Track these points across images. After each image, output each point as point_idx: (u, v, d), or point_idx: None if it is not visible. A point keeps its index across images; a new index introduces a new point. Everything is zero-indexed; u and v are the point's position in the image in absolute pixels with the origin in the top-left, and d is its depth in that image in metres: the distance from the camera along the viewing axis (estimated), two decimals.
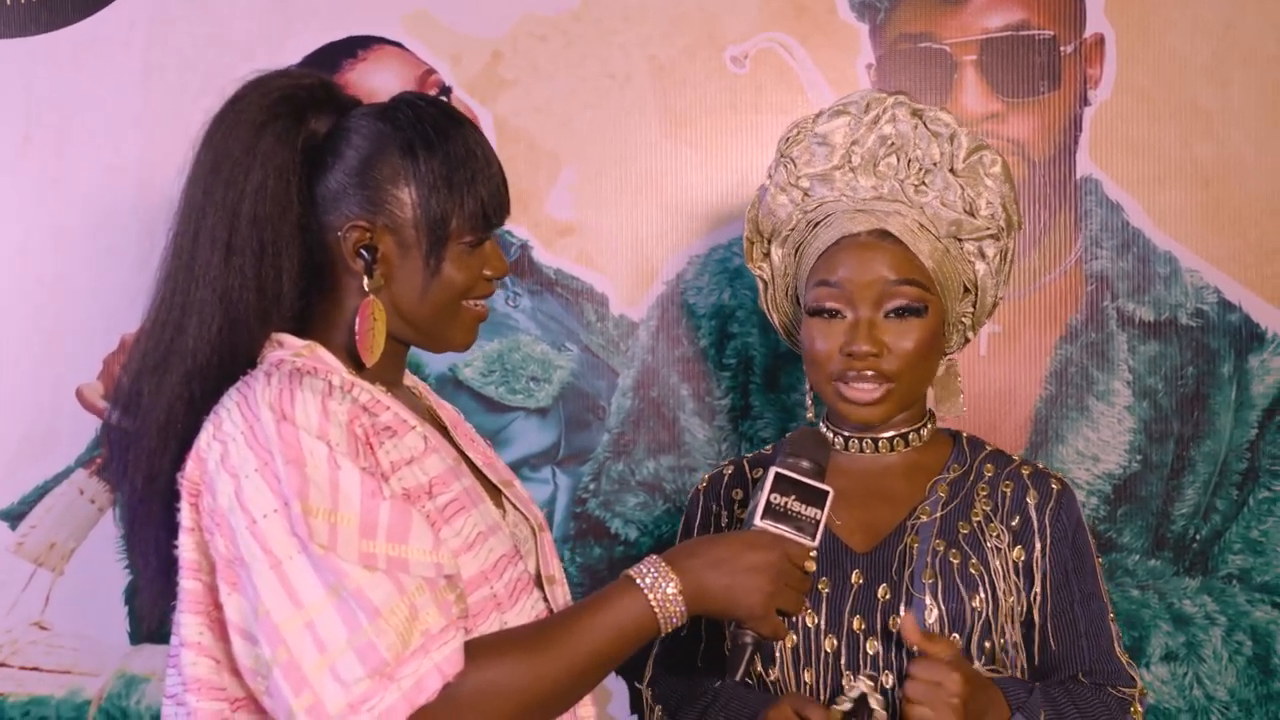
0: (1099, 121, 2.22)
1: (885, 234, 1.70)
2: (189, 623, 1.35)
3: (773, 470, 1.46)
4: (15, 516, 2.26)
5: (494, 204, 1.44)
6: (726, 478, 1.86)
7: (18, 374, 2.25)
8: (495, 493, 1.51)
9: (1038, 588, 1.70)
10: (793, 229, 1.78)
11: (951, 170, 1.72)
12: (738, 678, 1.43)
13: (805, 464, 1.48)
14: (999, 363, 2.24)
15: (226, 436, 1.30)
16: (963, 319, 1.78)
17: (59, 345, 2.25)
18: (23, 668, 2.27)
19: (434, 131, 1.41)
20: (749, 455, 1.89)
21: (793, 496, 1.45)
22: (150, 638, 2.25)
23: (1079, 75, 2.22)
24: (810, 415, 1.83)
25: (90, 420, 2.25)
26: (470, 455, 1.52)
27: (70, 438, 2.26)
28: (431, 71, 2.26)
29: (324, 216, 1.41)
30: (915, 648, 1.56)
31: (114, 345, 2.24)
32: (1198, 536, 2.22)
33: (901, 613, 1.65)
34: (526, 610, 1.41)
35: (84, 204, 2.25)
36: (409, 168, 1.39)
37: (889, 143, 1.73)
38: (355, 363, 1.42)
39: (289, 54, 2.24)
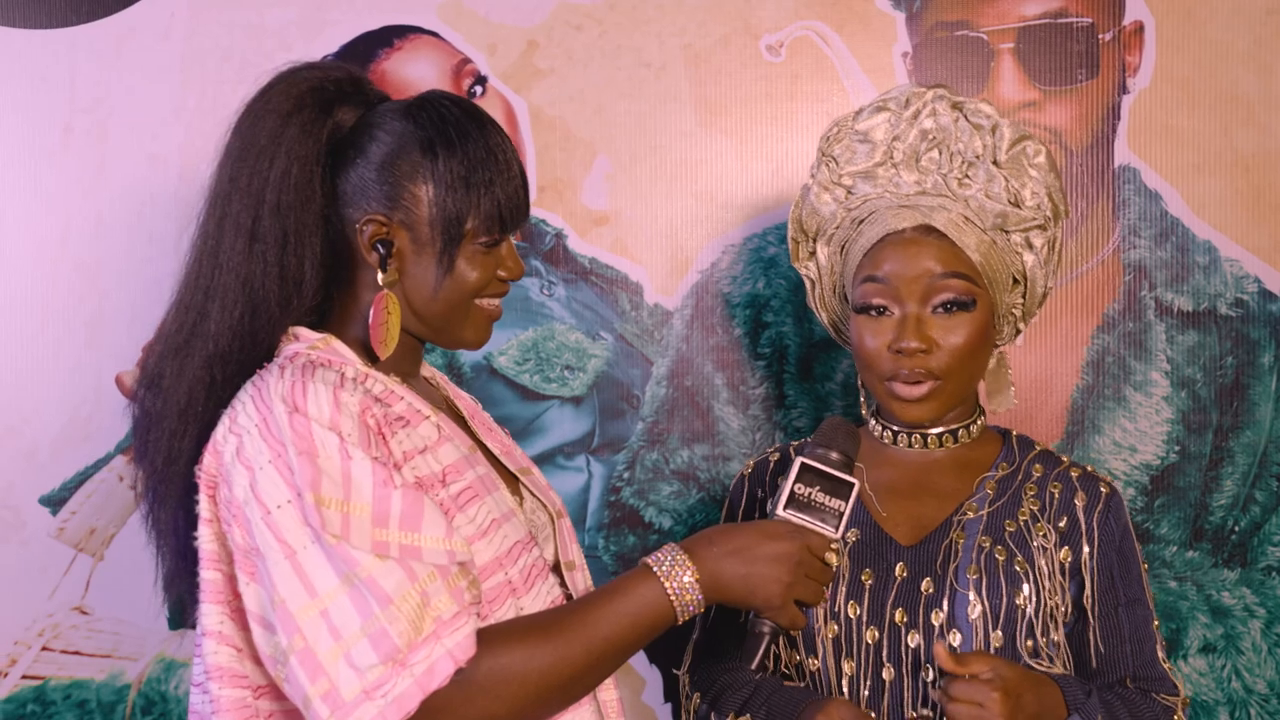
0: (1138, 110, 2.20)
1: (930, 229, 1.69)
2: (210, 612, 1.37)
3: (798, 460, 1.46)
4: (56, 502, 2.29)
5: (511, 207, 1.44)
6: (772, 464, 1.86)
7: (59, 361, 2.27)
8: (512, 480, 1.52)
9: (1085, 589, 1.69)
10: (838, 227, 1.78)
11: (995, 162, 1.71)
12: (754, 666, 1.43)
13: (833, 455, 1.48)
14: (1035, 352, 2.23)
15: (242, 429, 1.32)
16: (1013, 310, 1.77)
17: (99, 333, 2.27)
18: (64, 651, 2.30)
19: (455, 131, 1.41)
20: (795, 443, 1.89)
21: (817, 487, 1.45)
22: (189, 623, 2.26)
23: (1117, 63, 2.21)
24: (864, 412, 1.82)
25: (129, 407, 2.27)
26: (487, 443, 1.53)
27: (110, 424, 2.28)
28: (467, 61, 2.27)
29: (345, 209, 1.42)
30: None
31: (153, 333, 2.25)
32: (1236, 528, 2.20)
33: (944, 607, 1.64)
34: (542, 596, 1.43)
35: (124, 193, 2.27)
36: (428, 166, 1.40)
37: (930, 137, 1.73)
38: (371, 355, 1.44)
39: (325, 43, 2.26)
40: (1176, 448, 2.21)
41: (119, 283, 2.26)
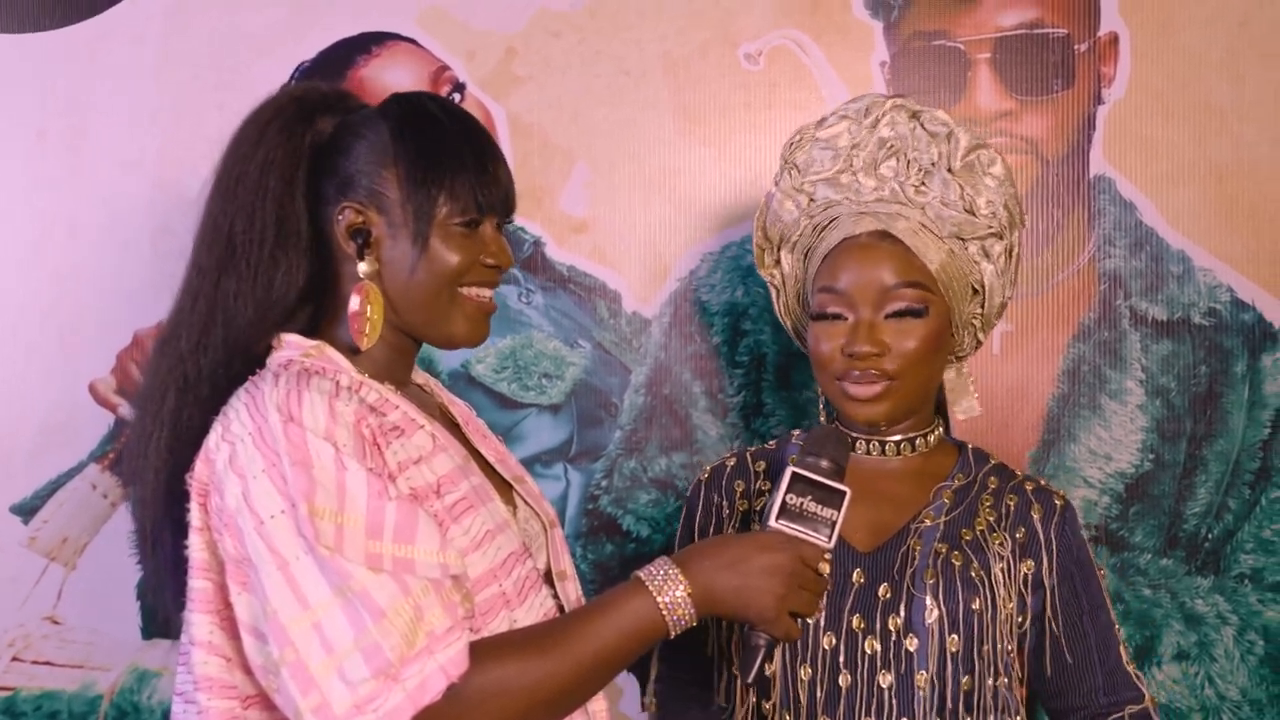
0: (1113, 120, 2.22)
1: (887, 235, 1.70)
2: (199, 622, 1.36)
3: (789, 470, 1.45)
4: (28, 511, 2.27)
5: (485, 185, 1.42)
6: (729, 469, 1.86)
7: (32, 368, 2.25)
8: (507, 489, 1.51)
9: (1047, 601, 1.71)
10: (800, 234, 1.79)
11: (949, 170, 1.72)
12: (750, 679, 1.43)
13: (824, 464, 1.47)
14: (1011, 361, 2.24)
15: (235, 437, 1.31)
16: (972, 321, 1.78)
17: (73, 340, 2.25)
18: (35, 662, 2.27)
19: (426, 117, 1.42)
20: (752, 448, 1.89)
21: (809, 497, 1.44)
22: (162, 632, 2.25)
23: (1093, 73, 2.22)
24: (822, 419, 1.83)
25: (103, 415, 2.26)
26: (482, 451, 1.52)
27: (83, 432, 2.26)
28: (445, 68, 2.26)
29: (326, 208, 1.42)
30: None
31: (127, 340, 2.24)
32: (1210, 536, 2.22)
33: (901, 612, 1.65)
34: (535, 608, 1.42)
35: (98, 199, 2.25)
36: (397, 149, 1.40)
37: (888, 145, 1.74)
38: (362, 359, 1.43)
39: (303, 49, 2.24)
40: (1151, 456, 2.22)
41: (93, 290, 2.25)
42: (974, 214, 1.72)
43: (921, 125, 1.74)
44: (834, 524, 1.43)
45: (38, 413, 2.26)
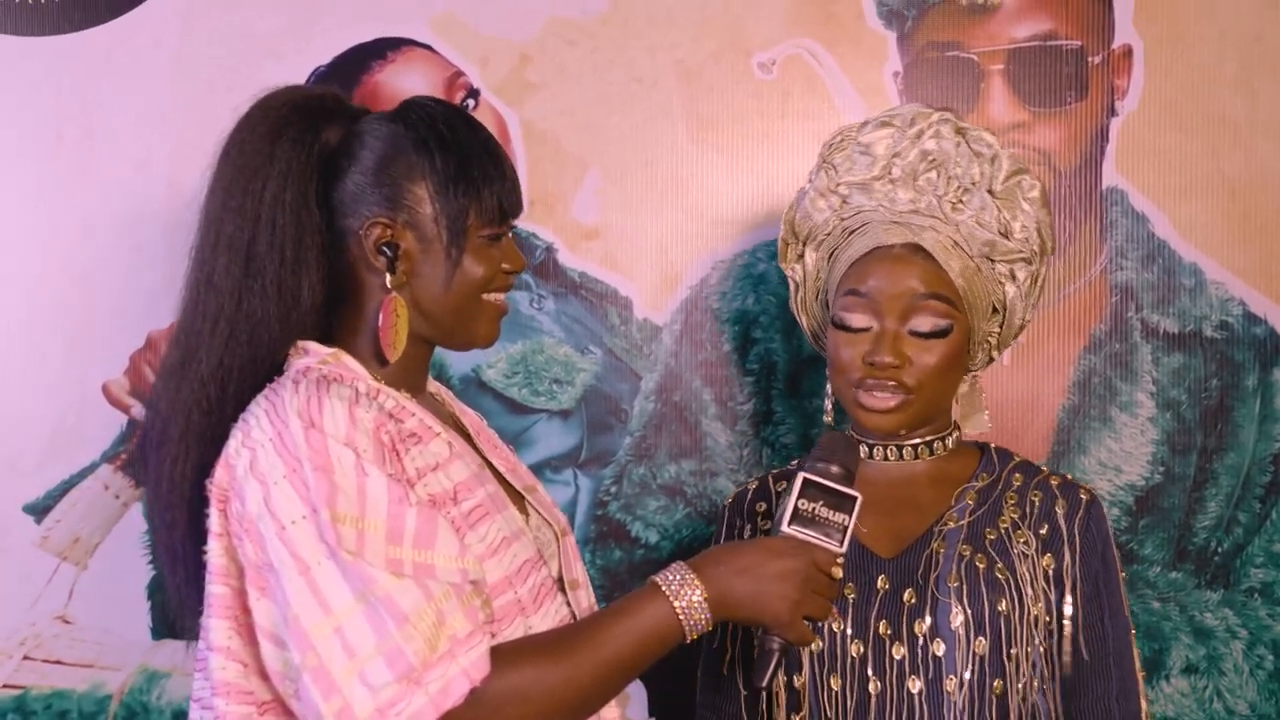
0: (1126, 132, 2.22)
1: (917, 248, 1.71)
2: (217, 627, 1.36)
3: (800, 475, 1.46)
4: (40, 511, 2.27)
5: (509, 197, 1.46)
6: (750, 493, 1.88)
7: (45, 369, 2.26)
8: (518, 498, 1.52)
9: (1069, 597, 1.70)
10: (828, 234, 1.80)
11: (990, 191, 1.74)
12: (764, 684, 1.44)
13: (834, 469, 1.47)
14: (1022, 372, 2.23)
15: (255, 443, 1.32)
16: (989, 338, 1.79)
17: (86, 341, 2.26)
18: (45, 661, 2.28)
19: (446, 128, 1.43)
20: (775, 470, 1.91)
21: (821, 502, 1.45)
22: (172, 633, 2.26)
23: (1106, 86, 2.22)
24: (829, 420, 1.83)
25: (116, 416, 2.26)
26: (493, 461, 1.53)
27: (96, 433, 2.26)
28: (460, 74, 2.27)
29: (342, 221, 1.43)
30: None
31: (140, 341, 2.25)
32: (1220, 549, 2.21)
33: (927, 617, 1.65)
34: (550, 615, 1.43)
35: (113, 201, 2.25)
36: (425, 164, 1.41)
37: (930, 158, 1.75)
38: (380, 368, 1.44)
39: (317, 53, 2.25)
40: (1161, 469, 2.22)
41: (106, 291, 2.25)
42: (1008, 237, 1.73)
43: (967, 143, 1.75)
44: (846, 529, 1.44)
45: (50, 413, 2.26)
